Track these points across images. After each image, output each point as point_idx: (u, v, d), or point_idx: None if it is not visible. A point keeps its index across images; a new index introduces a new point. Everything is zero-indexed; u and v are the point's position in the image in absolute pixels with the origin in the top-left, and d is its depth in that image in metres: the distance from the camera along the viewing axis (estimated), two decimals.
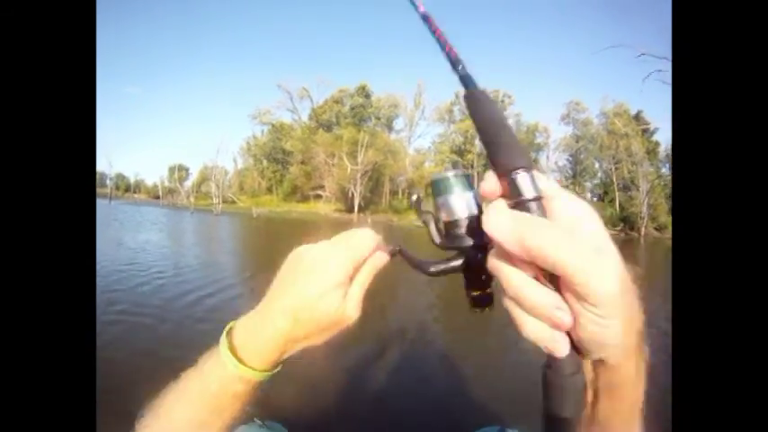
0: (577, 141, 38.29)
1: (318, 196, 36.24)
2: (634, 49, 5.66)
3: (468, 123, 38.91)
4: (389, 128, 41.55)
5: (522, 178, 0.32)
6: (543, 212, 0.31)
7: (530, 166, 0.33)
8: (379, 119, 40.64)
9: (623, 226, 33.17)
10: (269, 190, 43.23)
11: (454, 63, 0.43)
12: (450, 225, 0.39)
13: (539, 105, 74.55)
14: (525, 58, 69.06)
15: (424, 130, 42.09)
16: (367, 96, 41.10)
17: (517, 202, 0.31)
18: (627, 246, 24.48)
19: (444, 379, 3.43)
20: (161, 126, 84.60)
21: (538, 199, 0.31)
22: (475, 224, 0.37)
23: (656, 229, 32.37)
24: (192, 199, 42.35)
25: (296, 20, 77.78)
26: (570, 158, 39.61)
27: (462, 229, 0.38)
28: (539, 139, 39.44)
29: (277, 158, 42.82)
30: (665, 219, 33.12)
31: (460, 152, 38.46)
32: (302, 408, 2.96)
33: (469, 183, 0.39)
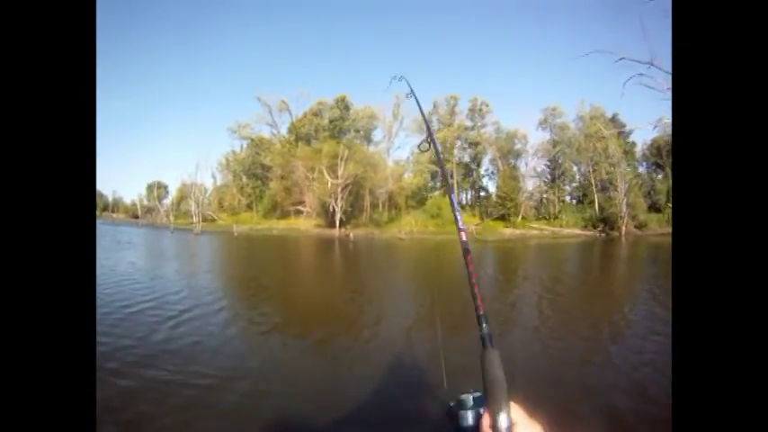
0: (555, 146, 38.90)
1: (299, 212, 35.75)
2: (611, 55, 5.76)
3: (447, 132, 39.26)
4: (368, 140, 41.50)
5: (502, 418, 0.57)
6: None
7: (507, 408, 0.58)
8: (358, 131, 40.58)
9: (603, 226, 33.67)
10: (249, 207, 42.56)
11: (479, 319, 0.67)
12: (465, 428, 0.63)
13: (516, 112, 76.00)
14: (502, 65, 70.52)
15: (403, 140, 42.18)
16: (346, 108, 41.00)
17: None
18: (609, 245, 24.66)
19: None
20: (139, 142, 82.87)
21: (510, 427, 0.57)
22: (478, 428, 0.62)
23: (636, 227, 32.97)
24: (171, 218, 41.37)
25: (276, 32, 77.97)
26: (549, 163, 40.17)
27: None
28: (517, 146, 39.97)
29: (256, 174, 42.25)
30: (644, 216, 33.77)
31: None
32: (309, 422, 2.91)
33: (481, 403, 0.63)
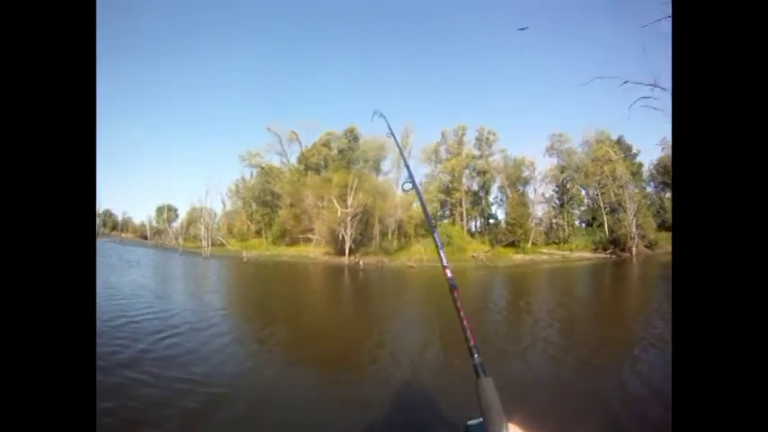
0: (562, 171, 38.92)
1: (308, 239, 35.83)
2: (615, 79, 5.97)
3: (455, 162, 39.50)
4: (377, 170, 41.90)
5: None
6: None
7: (506, 431, 0.61)
8: (367, 161, 41.03)
9: (614, 248, 33.39)
10: (258, 233, 42.76)
11: (471, 351, 0.71)
12: None
13: (523, 140, 76.09)
14: (507, 93, 71.30)
15: (412, 170, 42.19)
16: (355, 139, 41.55)
17: None
18: (621, 266, 24.43)
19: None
20: (150, 165, 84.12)
21: None
22: None
23: (646, 246, 32.70)
24: (180, 240, 41.68)
25: (287, 65, 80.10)
26: (557, 189, 40.11)
27: None
28: (525, 173, 40.04)
29: (266, 201, 42.62)
30: (654, 236, 33.50)
31: (448, 191, 38.82)
32: None
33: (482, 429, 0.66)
